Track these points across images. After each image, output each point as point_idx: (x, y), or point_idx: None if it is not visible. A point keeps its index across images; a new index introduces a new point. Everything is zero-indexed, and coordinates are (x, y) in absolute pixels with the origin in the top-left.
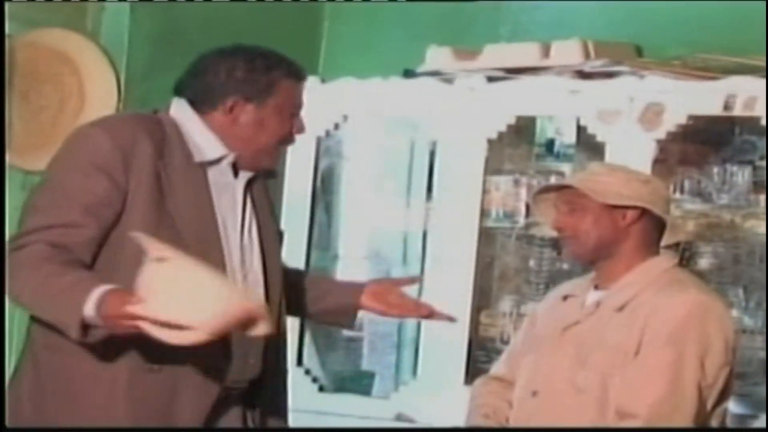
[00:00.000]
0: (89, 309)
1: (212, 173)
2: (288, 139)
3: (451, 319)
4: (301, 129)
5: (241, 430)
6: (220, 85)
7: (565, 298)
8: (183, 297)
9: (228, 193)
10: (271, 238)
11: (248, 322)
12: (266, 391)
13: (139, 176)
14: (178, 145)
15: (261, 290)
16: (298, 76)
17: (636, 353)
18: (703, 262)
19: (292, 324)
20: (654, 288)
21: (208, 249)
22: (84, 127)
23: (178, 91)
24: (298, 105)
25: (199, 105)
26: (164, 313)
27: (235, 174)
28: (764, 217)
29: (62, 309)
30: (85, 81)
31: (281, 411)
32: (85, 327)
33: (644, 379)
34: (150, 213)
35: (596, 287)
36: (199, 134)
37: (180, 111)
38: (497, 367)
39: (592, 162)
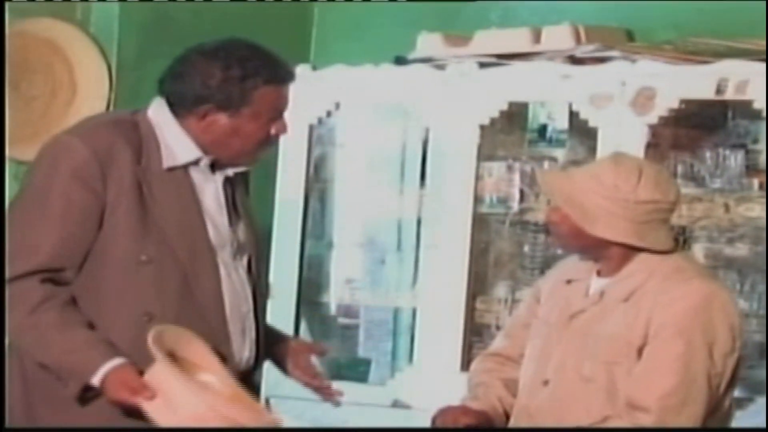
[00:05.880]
0: (96, 380)
1: (193, 172)
2: (267, 141)
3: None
4: (282, 130)
5: (241, 430)
6: (195, 92)
7: (568, 281)
8: (175, 408)
9: (210, 190)
10: (253, 229)
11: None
12: (252, 381)
13: (118, 185)
14: (155, 149)
15: (249, 290)
16: (279, 80)
17: (641, 345)
18: (697, 246)
19: (287, 312)
20: (658, 277)
21: (196, 252)
22: (61, 136)
23: (160, 89)
24: (278, 109)
25: (176, 107)
26: (158, 417)
27: (213, 170)
28: (758, 200)
29: (67, 369)
30: (76, 70)
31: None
32: (86, 388)
33: (654, 371)
34: (134, 222)
35: (599, 273)
36: (174, 138)
37: (158, 113)
38: (497, 341)
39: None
